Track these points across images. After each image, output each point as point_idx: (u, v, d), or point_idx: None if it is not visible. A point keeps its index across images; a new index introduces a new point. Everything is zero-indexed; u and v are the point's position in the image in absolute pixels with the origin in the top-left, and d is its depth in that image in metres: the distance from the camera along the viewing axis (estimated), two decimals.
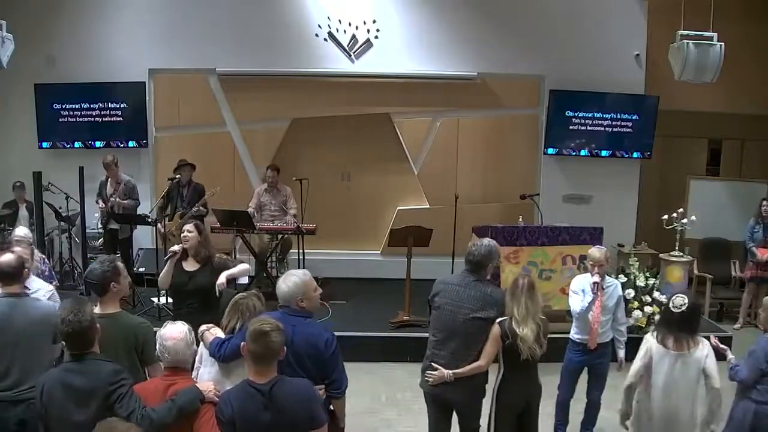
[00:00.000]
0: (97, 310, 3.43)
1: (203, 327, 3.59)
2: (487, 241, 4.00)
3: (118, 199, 7.35)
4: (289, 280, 3.39)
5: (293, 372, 3.15)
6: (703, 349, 3.80)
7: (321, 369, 3.28)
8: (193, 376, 3.46)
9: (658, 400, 3.82)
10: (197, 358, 3.56)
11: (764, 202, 7.49)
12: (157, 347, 2.97)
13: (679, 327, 3.81)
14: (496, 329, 3.81)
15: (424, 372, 3.97)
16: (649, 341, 3.89)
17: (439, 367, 3.84)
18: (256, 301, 3.53)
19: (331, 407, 3.37)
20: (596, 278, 4.65)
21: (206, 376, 3.41)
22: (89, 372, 2.81)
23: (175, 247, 4.70)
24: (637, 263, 6.87)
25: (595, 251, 4.75)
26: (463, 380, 3.83)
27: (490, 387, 4.00)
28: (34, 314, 3.53)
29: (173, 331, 2.95)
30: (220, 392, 2.92)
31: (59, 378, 2.84)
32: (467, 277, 3.92)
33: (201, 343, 3.56)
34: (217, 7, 8.27)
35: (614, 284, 4.89)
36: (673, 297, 3.91)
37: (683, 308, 3.79)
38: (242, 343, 2.87)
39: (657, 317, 6.51)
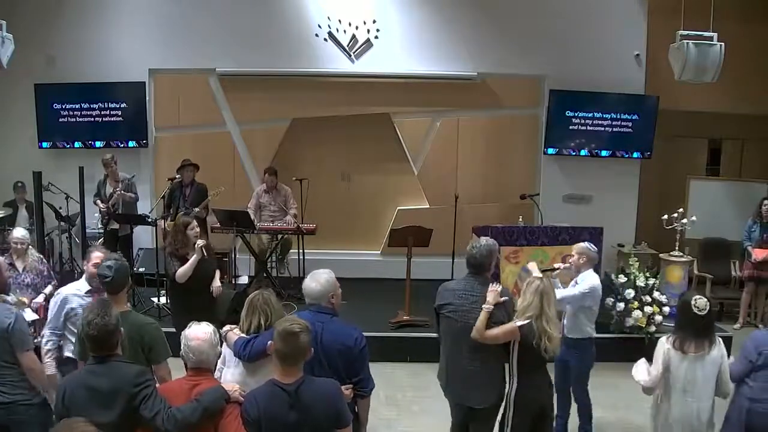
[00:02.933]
0: None
1: (227, 327, 3.56)
2: (485, 240, 3.98)
3: (121, 191, 7.38)
4: (321, 278, 3.42)
5: (323, 371, 3.17)
6: (721, 348, 3.77)
7: (349, 367, 3.30)
8: (215, 377, 3.47)
9: (677, 402, 3.76)
10: (220, 360, 3.52)
11: (765, 202, 7.48)
12: (181, 347, 2.97)
13: (704, 329, 3.75)
14: (512, 327, 3.73)
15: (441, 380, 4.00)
16: (665, 347, 3.78)
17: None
18: (268, 294, 3.49)
19: (356, 408, 3.37)
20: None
21: (230, 377, 3.37)
22: (113, 374, 2.81)
23: (200, 242, 5.12)
24: (637, 263, 6.86)
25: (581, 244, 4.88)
26: (486, 385, 3.83)
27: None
28: None
29: (198, 332, 2.96)
30: (245, 392, 2.91)
31: (82, 380, 2.84)
32: (471, 281, 3.90)
33: (224, 343, 3.52)
34: (217, 7, 8.28)
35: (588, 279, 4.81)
36: (694, 299, 3.75)
37: (707, 309, 3.72)
38: (269, 342, 2.86)
39: (657, 317, 6.54)
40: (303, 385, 2.77)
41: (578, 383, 4.82)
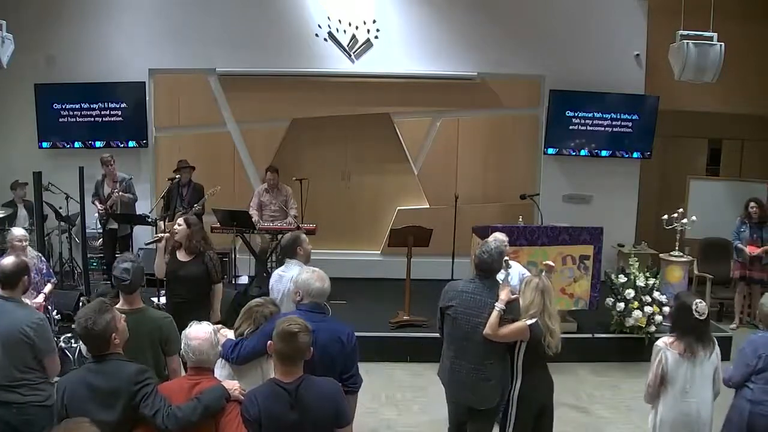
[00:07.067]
0: (123, 305, 3.48)
1: (213, 328, 3.55)
2: (492, 241, 4.01)
3: (120, 193, 7.38)
4: (326, 279, 3.48)
5: (316, 369, 3.17)
6: (717, 348, 3.77)
7: (343, 363, 3.37)
8: None
9: (677, 402, 3.72)
10: None
11: (752, 204, 7.48)
12: (182, 346, 2.99)
13: (706, 333, 3.74)
14: (523, 326, 3.75)
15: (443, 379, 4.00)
16: (663, 351, 3.72)
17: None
18: (273, 308, 3.48)
19: None
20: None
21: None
22: (111, 372, 2.82)
23: (160, 234, 5.05)
24: (637, 263, 6.85)
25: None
26: (489, 387, 3.82)
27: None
28: (12, 317, 3.52)
29: (198, 332, 2.97)
30: (246, 391, 2.92)
31: (82, 378, 2.84)
32: (479, 284, 3.89)
33: None
34: (217, 7, 8.28)
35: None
36: (695, 304, 3.70)
37: (707, 313, 3.71)
38: (269, 342, 2.87)
39: (657, 317, 6.54)
40: (303, 385, 2.78)
41: None
